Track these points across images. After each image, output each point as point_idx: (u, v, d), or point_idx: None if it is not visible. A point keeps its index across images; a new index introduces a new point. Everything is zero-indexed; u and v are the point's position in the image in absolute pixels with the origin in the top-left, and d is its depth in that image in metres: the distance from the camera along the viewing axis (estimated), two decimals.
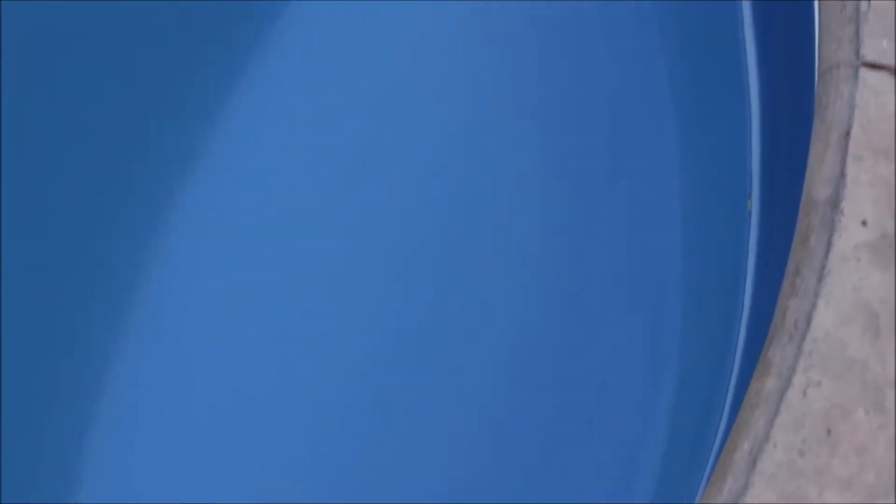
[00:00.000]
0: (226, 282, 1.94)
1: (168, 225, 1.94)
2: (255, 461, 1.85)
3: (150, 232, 1.94)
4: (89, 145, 1.95)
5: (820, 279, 1.40)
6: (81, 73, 1.97)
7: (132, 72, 1.99)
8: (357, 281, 1.92)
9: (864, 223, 1.43)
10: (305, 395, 1.88)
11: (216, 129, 1.99)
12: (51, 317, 1.89)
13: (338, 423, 1.87)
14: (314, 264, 1.94)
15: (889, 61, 1.52)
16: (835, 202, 1.44)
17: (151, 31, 2.01)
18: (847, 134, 1.48)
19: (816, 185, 1.46)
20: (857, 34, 1.54)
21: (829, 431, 1.35)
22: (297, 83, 2.01)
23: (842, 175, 1.45)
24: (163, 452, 1.86)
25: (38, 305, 1.89)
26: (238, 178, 1.97)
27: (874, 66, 1.52)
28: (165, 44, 2.02)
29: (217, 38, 2.03)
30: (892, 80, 1.51)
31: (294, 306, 1.92)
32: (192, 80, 2.02)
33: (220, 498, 1.79)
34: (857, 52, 1.53)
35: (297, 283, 1.93)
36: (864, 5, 1.55)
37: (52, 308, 1.90)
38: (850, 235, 1.42)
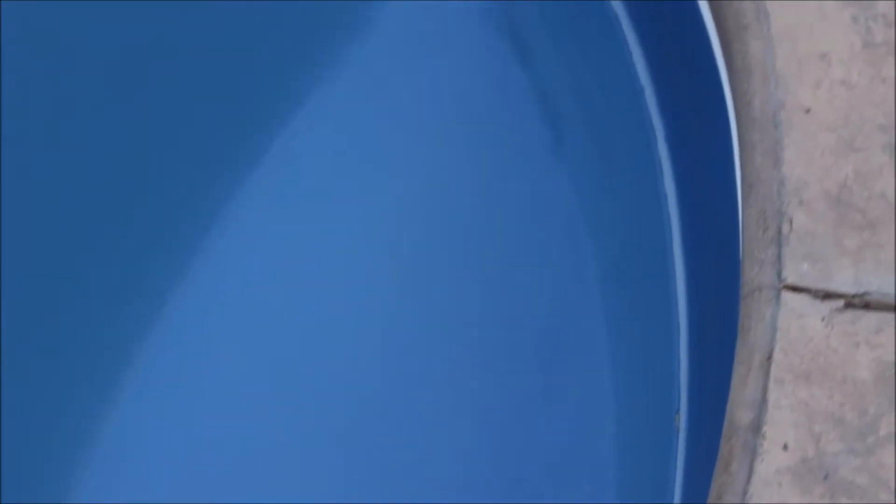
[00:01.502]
0: (228, 285, 1.97)
1: (174, 232, 1.99)
2: (254, 463, 1.86)
3: (153, 234, 1.98)
4: (97, 146, 2.00)
5: None
6: (83, 77, 2.03)
7: (140, 83, 2.05)
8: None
9: (785, 447, 1.44)
10: (305, 397, 1.91)
11: (231, 136, 2.06)
12: (52, 317, 1.92)
13: (335, 426, 1.90)
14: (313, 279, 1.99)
15: (810, 284, 1.54)
16: (756, 427, 1.45)
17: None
18: (769, 357, 1.50)
19: (739, 409, 1.48)
20: (778, 257, 1.56)
21: None
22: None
23: (763, 400, 1.47)
24: (163, 454, 1.87)
25: (38, 306, 1.92)
26: (247, 187, 2.03)
27: (795, 289, 1.54)
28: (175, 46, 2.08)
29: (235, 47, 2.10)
30: (813, 303, 1.54)
31: (291, 318, 1.96)
32: (194, 86, 2.08)
33: (220, 499, 1.79)
34: (778, 274, 1.55)
35: (296, 297, 1.97)
36: (785, 227, 1.58)
37: (53, 308, 1.93)
38: (772, 460, 1.44)
